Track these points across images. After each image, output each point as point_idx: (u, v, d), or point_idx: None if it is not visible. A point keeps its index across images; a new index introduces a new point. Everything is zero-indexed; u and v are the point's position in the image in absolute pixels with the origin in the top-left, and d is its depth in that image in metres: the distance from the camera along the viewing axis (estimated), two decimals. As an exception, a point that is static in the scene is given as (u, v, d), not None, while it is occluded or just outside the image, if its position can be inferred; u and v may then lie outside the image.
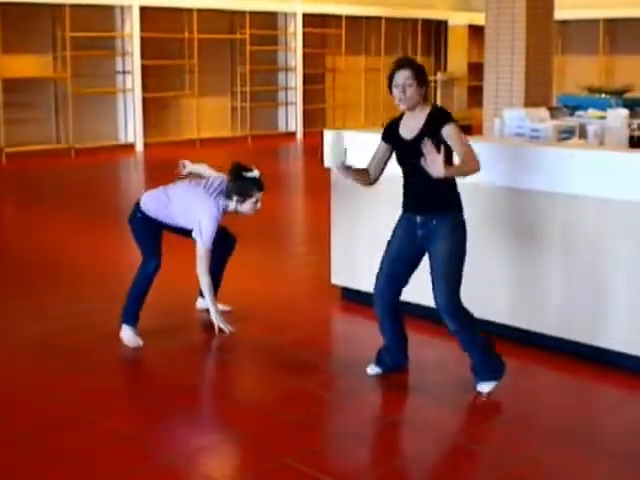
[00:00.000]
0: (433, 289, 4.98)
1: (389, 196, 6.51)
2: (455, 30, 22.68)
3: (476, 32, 20.46)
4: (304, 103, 20.40)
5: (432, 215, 4.97)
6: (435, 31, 23.31)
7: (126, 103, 17.46)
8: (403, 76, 4.88)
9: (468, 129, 18.02)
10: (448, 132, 4.81)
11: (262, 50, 19.47)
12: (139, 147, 17.35)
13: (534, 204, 5.84)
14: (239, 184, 5.99)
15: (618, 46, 21.82)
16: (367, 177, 5.22)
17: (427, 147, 4.62)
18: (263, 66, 19.64)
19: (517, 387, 5.37)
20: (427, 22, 22.71)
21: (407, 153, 4.95)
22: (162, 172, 14.86)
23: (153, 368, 5.76)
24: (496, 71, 11.25)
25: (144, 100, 17.45)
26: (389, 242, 5.19)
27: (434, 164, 4.61)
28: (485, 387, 5.13)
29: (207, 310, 6.19)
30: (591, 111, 7.59)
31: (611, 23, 21.58)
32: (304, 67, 20.28)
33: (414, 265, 5.17)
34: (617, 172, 5.49)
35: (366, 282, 6.63)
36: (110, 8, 17.06)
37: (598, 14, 21.22)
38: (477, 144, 6.24)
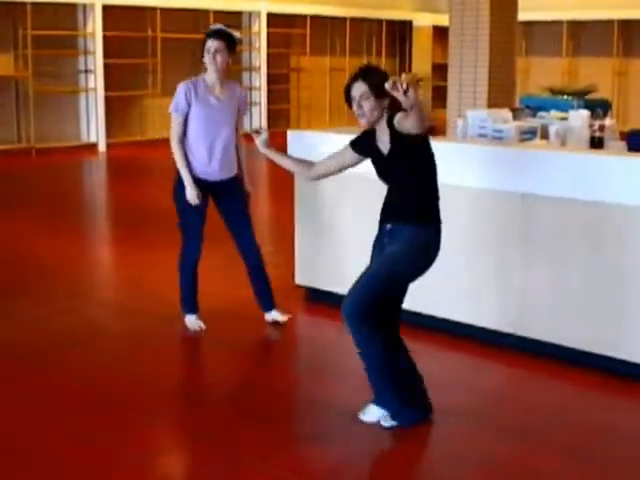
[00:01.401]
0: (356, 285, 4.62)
1: (354, 197, 6.58)
2: (419, 31, 22.73)
3: (440, 33, 20.50)
4: (268, 103, 20.32)
5: (403, 224, 4.62)
6: (400, 32, 23.33)
7: (88, 102, 17.33)
8: (358, 90, 4.56)
9: (432, 130, 18.04)
10: (397, 118, 4.45)
11: (226, 50, 19.31)
12: (102, 147, 17.20)
13: (496, 204, 5.87)
14: (203, 42, 6.09)
15: (581, 48, 21.94)
16: (301, 167, 4.97)
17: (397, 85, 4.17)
18: (227, 66, 19.52)
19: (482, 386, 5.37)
20: (392, 23, 22.73)
21: (384, 169, 4.72)
22: (125, 172, 14.90)
23: (121, 369, 5.70)
24: (460, 72, 11.24)
25: (107, 99, 17.31)
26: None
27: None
28: (371, 415, 4.76)
29: (275, 322, 6.23)
30: (553, 112, 7.59)
31: (574, 25, 21.69)
32: (268, 67, 20.22)
33: None
34: (578, 173, 5.54)
35: (330, 282, 6.67)
36: (72, 6, 16.92)
37: (562, 16, 21.33)
38: (441, 144, 6.30)
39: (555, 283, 5.67)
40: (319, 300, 6.75)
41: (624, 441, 4.71)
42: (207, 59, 6.03)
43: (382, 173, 4.75)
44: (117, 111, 17.76)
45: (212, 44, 5.98)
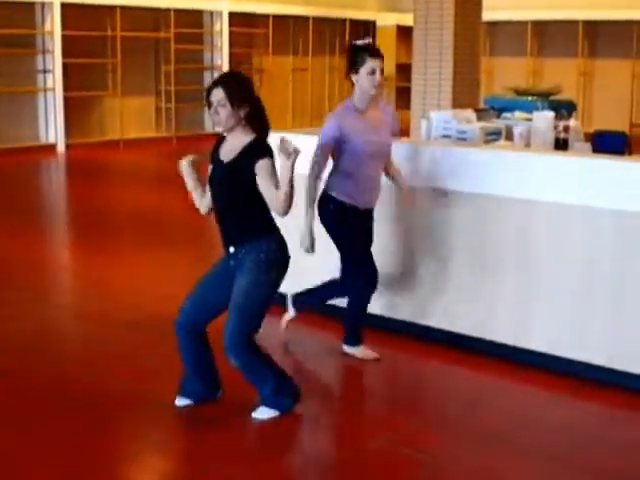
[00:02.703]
0: (228, 320, 4.65)
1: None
2: (383, 31, 22.65)
3: (404, 33, 20.44)
4: (231, 104, 20.10)
5: (242, 244, 4.62)
6: (363, 31, 23.22)
7: (47, 103, 17.01)
8: (216, 96, 4.53)
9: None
10: (260, 166, 4.46)
11: (187, 49, 19.19)
12: (60, 148, 16.92)
13: (460, 205, 5.83)
14: (349, 57, 5.48)
15: (546, 48, 21.95)
16: (199, 196, 4.85)
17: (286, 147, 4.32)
18: (188, 65, 19.36)
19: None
20: (355, 22, 22.63)
21: (218, 175, 4.64)
22: (84, 174, 14.70)
23: (78, 369, 5.61)
24: (424, 72, 11.17)
25: (66, 100, 17.01)
26: (207, 273, 4.88)
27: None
28: (263, 414, 4.83)
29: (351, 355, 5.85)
30: (517, 113, 7.56)
31: (539, 25, 21.70)
32: (230, 67, 19.98)
33: (224, 298, 4.74)
34: (542, 174, 5.52)
35: (293, 285, 6.55)
36: (30, 5, 16.62)
37: (526, 16, 21.33)
38: (404, 146, 6.21)
39: (523, 284, 5.55)
40: (281, 303, 6.55)
41: None
42: (367, 79, 5.42)
43: (212, 179, 4.71)
44: (76, 111, 17.47)
45: (375, 64, 5.39)
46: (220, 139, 4.72)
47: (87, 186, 13.21)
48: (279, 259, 4.65)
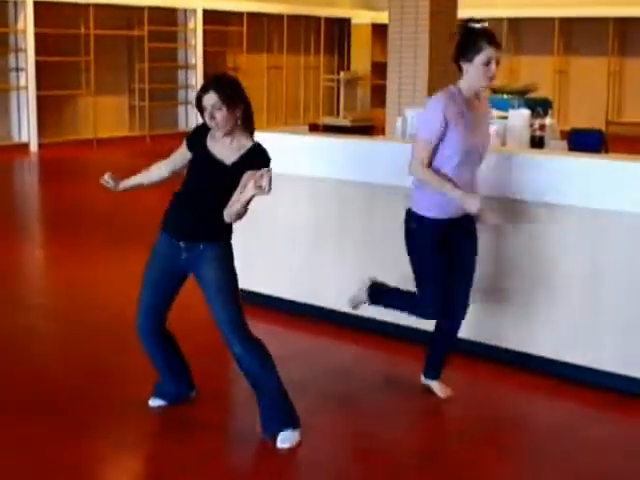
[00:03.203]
0: (216, 321, 4.56)
1: (284, 196, 6.39)
2: (358, 29, 22.62)
3: (380, 31, 20.38)
4: (205, 102, 20.01)
5: (201, 239, 4.57)
6: (338, 29, 23.19)
7: (20, 101, 16.87)
8: (210, 101, 4.45)
9: (371, 129, 17.95)
10: (257, 175, 4.33)
11: (161, 47, 19.09)
12: (33, 147, 16.79)
13: None
14: (462, 41, 4.83)
15: (522, 46, 22.00)
16: (152, 178, 4.87)
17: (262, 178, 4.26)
18: (162, 64, 19.25)
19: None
20: (330, 20, 22.59)
21: (208, 171, 4.56)
22: (57, 173, 14.58)
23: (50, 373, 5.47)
24: (399, 70, 11.14)
25: (39, 98, 16.88)
26: (147, 270, 4.75)
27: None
28: (287, 441, 4.52)
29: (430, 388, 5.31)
30: (493, 111, 7.50)
31: (515, 23, 21.74)
32: (205, 65, 19.91)
33: (176, 291, 4.76)
34: (518, 173, 5.48)
35: (261, 283, 6.70)
36: (2, 3, 16.51)
37: (502, 14, 21.36)
38: (380, 144, 6.15)
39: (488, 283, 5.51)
40: (249, 301, 6.49)
41: None
42: (481, 70, 4.76)
43: (198, 175, 4.63)
44: (49, 110, 17.34)
45: (492, 54, 4.74)
46: (203, 129, 4.64)
47: (60, 185, 13.12)
48: (232, 253, 4.67)
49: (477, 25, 4.79)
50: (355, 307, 5.47)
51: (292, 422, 4.57)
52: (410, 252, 4.95)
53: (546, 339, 5.44)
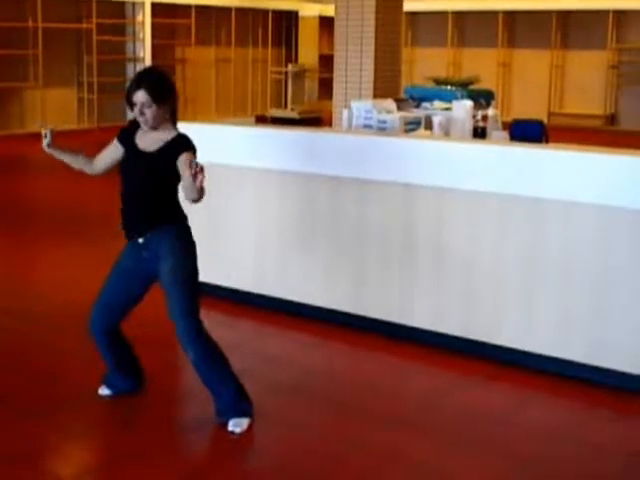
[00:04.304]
0: (169, 312, 4.55)
1: (248, 189, 6.53)
2: (306, 21, 22.74)
3: (327, 24, 20.52)
4: (154, 95, 20.00)
5: (152, 233, 4.58)
6: (286, 22, 23.29)
7: (-34, 94, 16.81)
8: (140, 97, 4.47)
9: (318, 121, 18.05)
10: (183, 160, 4.42)
11: (109, 40, 19.08)
12: (-20, 141, 16.73)
13: (381, 194, 5.90)
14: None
15: (466, 39, 22.25)
16: (82, 163, 4.84)
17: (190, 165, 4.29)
18: (111, 56, 19.22)
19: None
20: (278, 13, 22.69)
21: (137, 165, 4.61)
22: (4, 167, 14.46)
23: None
24: (345, 63, 11.24)
25: (-15, 91, 16.82)
26: (112, 268, 4.79)
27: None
28: (238, 426, 4.58)
29: None
30: (437, 102, 7.64)
31: (459, 16, 21.99)
32: (153, 58, 19.92)
33: (136, 295, 4.77)
34: (460, 162, 5.60)
35: (224, 276, 6.73)
36: (-52, -5, 16.40)
37: (447, 6, 21.60)
38: (326, 136, 6.27)
39: (444, 272, 5.70)
40: (213, 294, 6.57)
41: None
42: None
43: (129, 170, 4.66)
44: (-4, 103, 17.30)
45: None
46: (133, 126, 4.68)
47: (6, 179, 13.00)
48: (192, 242, 4.66)
49: None
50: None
51: (247, 409, 4.63)
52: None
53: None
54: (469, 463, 4.34)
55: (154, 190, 4.57)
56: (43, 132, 4.75)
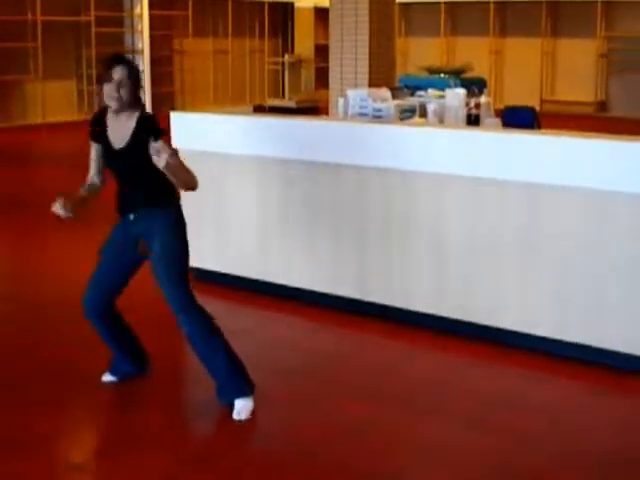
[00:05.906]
0: (162, 290, 4.59)
1: (235, 176, 6.64)
2: (301, 12, 22.83)
3: (322, 14, 20.66)
4: (152, 86, 20.20)
5: (144, 209, 4.66)
6: (282, 13, 23.40)
7: (-33, 87, 16.94)
8: (120, 73, 4.51)
9: (315, 110, 18.23)
10: (153, 152, 4.37)
11: (108, 32, 19.20)
12: (-19, 133, 16.88)
13: (376, 180, 6.02)
14: None
15: (458, 28, 22.41)
16: (91, 190, 4.84)
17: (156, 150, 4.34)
18: (109, 48, 19.29)
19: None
20: (273, 4, 22.79)
21: (116, 161, 4.69)
22: (5, 158, 14.45)
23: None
24: (340, 52, 11.36)
25: (-14, 84, 16.95)
26: (102, 249, 4.83)
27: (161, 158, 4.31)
28: (242, 412, 4.60)
29: None
30: (431, 91, 7.75)
31: (451, 5, 22.15)
32: (151, 50, 20.06)
33: (127, 273, 4.82)
34: (455, 149, 5.71)
35: (214, 262, 6.81)
36: (-52, -11, 16.54)
37: (439, -4, 21.77)
38: (323, 123, 6.43)
39: (439, 256, 5.93)
40: (204, 280, 6.65)
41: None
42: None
43: (112, 164, 4.75)
44: (-3, 96, 17.45)
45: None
46: (100, 118, 4.74)
47: (7, 171, 13.01)
48: (183, 223, 4.73)
49: None
50: None
51: (246, 388, 4.65)
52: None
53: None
54: (482, 442, 4.41)
55: (136, 177, 4.67)
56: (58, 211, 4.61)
